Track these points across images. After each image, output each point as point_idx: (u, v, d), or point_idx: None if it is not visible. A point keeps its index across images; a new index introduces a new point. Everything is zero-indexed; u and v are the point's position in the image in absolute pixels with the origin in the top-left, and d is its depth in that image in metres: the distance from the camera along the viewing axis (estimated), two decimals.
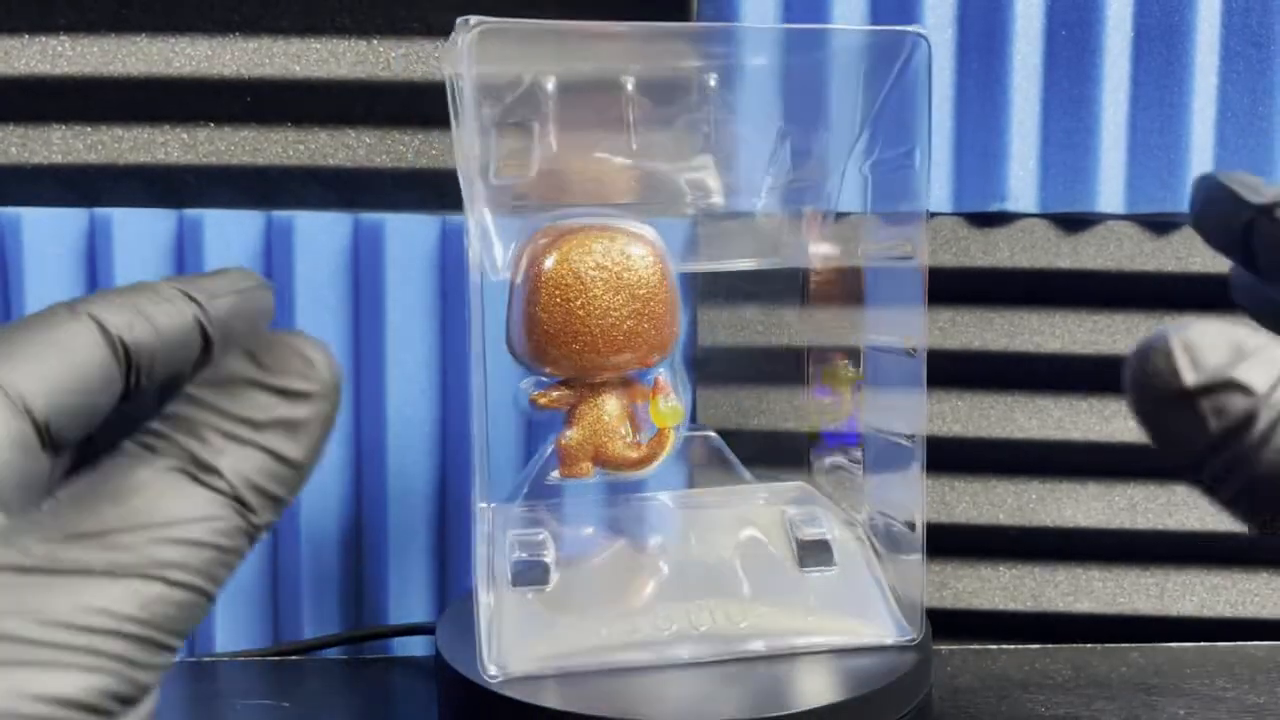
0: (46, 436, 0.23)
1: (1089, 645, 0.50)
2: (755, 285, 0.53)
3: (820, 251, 0.46)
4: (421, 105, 0.52)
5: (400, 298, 0.52)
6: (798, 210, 0.46)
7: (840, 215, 0.46)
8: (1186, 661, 0.48)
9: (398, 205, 0.53)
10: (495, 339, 0.46)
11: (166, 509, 0.19)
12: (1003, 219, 0.52)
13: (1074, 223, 0.52)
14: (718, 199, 0.46)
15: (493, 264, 0.42)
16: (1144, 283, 0.52)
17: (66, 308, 0.24)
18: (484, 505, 0.45)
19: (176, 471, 0.20)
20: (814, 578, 0.41)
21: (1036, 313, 0.53)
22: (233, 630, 0.53)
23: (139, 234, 0.52)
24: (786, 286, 0.51)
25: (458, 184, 0.38)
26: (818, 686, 0.37)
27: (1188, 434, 0.19)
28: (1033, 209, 0.52)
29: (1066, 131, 0.51)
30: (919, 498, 0.40)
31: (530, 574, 0.40)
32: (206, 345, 0.26)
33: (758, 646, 0.39)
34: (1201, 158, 0.51)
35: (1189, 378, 0.19)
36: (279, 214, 0.52)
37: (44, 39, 0.52)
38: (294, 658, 0.50)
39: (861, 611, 0.40)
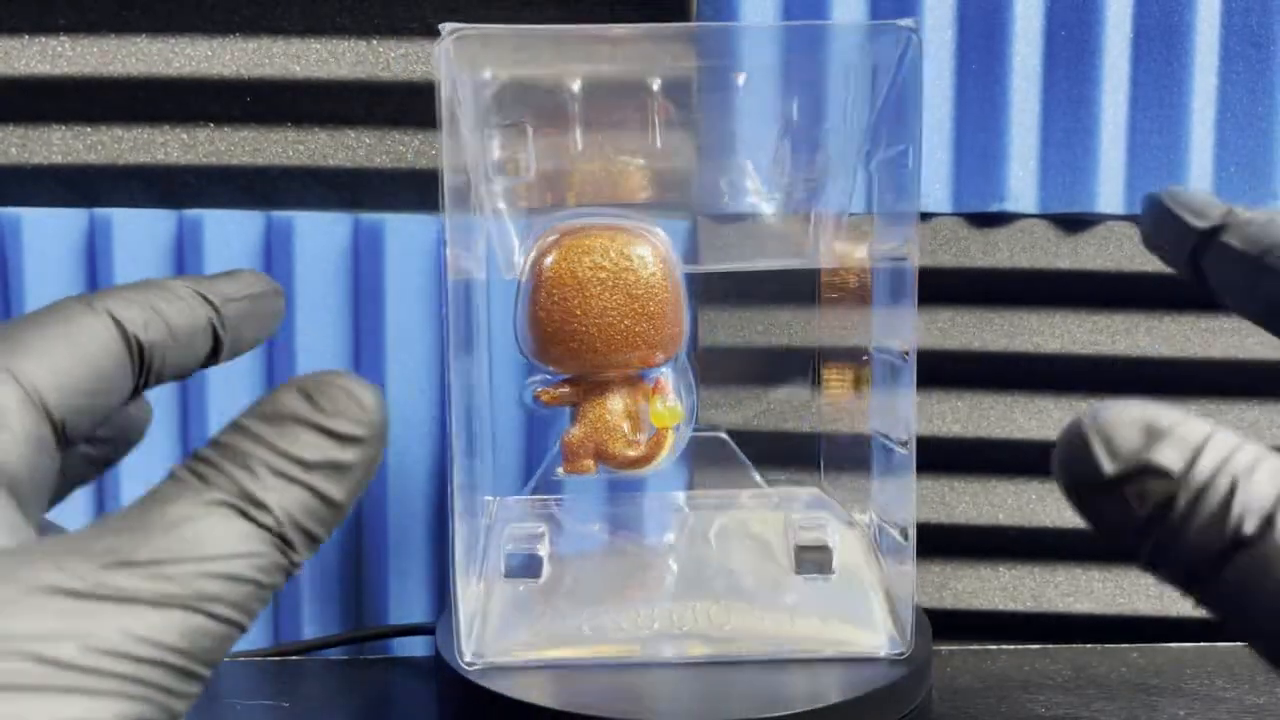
0: (61, 434, 0.23)
1: (1089, 645, 0.50)
2: (761, 286, 0.53)
3: (833, 252, 0.46)
4: (421, 105, 0.52)
5: (400, 298, 0.52)
6: (810, 211, 0.46)
7: (853, 216, 0.46)
8: (1186, 662, 0.48)
9: (398, 205, 0.53)
10: (495, 338, 0.46)
11: (215, 543, 0.19)
12: (1002, 219, 0.52)
13: (1074, 223, 0.52)
14: (727, 199, 0.46)
15: (508, 263, 0.43)
16: (1144, 283, 0.52)
17: (83, 302, 0.24)
18: (490, 498, 0.45)
19: (226, 506, 0.20)
20: (809, 585, 0.41)
21: (1036, 313, 0.53)
22: None
23: (139, 234, 0.52)
24: (790, 287, 0.51)
25: (464, 184, 0.38)
26: (797, 692, 0.36)
27: (1118, 520, 0.19)
28: (1032, 209, 0.52)
29: (1066, 131, 0.51)
30: (910, 505, 0.39)
31: (523, 566, 0.40)
32: (215, 348, 0.26)
33: (738, 650, 0.39)
34: (1201, 158, 0.51)
35: (1107, 468, 0.19)
36: (279, 214, 0.52)
37: (44, 39, 0.52)
38: (294, 658, 0.50)
39: (853, 621, 0.40)
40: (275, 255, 0.52)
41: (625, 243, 0.40)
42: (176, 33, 0.52)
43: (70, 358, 0.23)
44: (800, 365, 0.51)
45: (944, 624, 0.50)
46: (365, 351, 0.53)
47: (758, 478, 0.45)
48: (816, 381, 0.50)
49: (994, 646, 0.50)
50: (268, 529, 0.20)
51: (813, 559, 0.41)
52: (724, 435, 0.46)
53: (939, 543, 0.52)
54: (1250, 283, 0.27)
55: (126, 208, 0.52)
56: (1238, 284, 0.27)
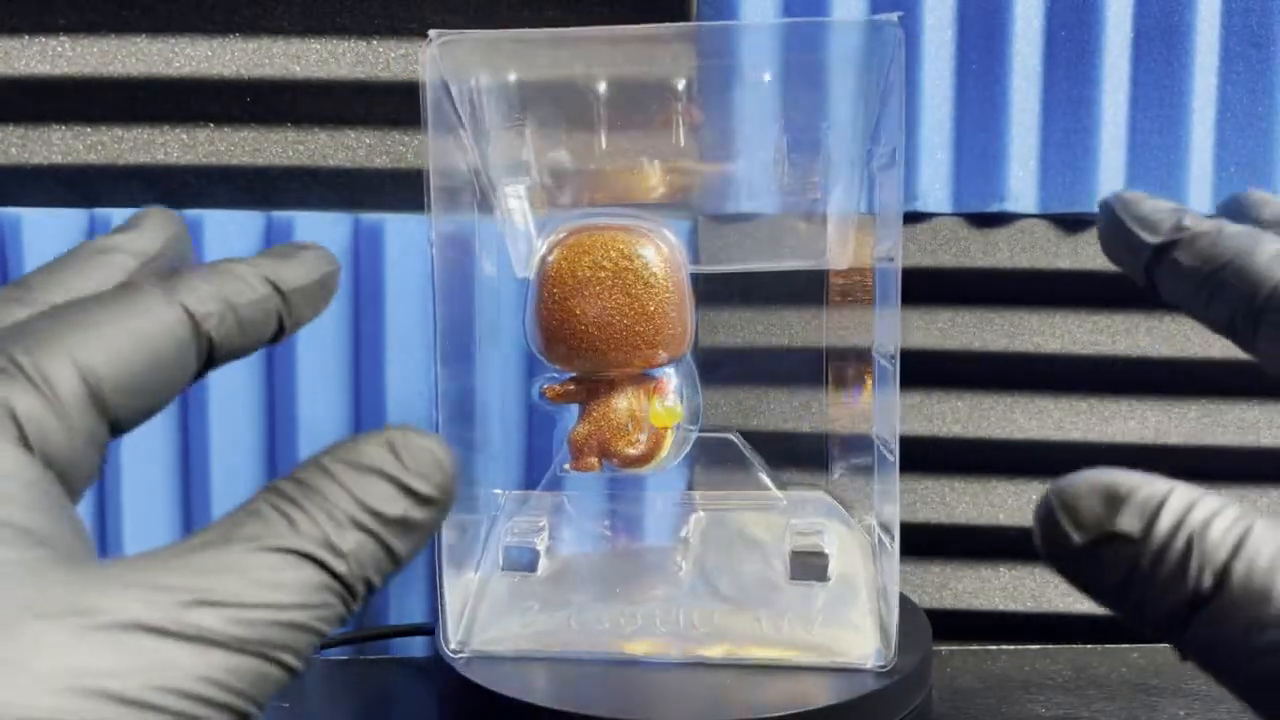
0: (113, 429, 0.22)
1: (1089, 645, 0.50)
2: (766, 286, 0.53)
3: (840, 252, 0.46)
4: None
5: (400, 298, 0.52)
6: (816, 211, 0.46)
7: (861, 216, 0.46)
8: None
9: (397, 205, 0.53)
10: (493, 337, 0.46)
11: (292, 591, 0.19)
12: (1002, 219, 0.52)
13: (1074, 223, 0.52)
14: (731, 200, 0.46)
15: (520, 262, 0.43)
16: None
17: (162, 291, 0.23)
18: (499, 491, 0.46)
19: (306, 556, 0.20)
20: (801, 591, 0.40)
21: (1036, 313, 0.53)
22: None
23: None
24: (793, 288, 0.51)
25: (458, 185, 0.38)
26: (777, 698, 0.36)
27: (1097, 585, 0.20)
28: (1032, 209, 0.52)
29: (1066, 131, 0.51)
30: (894, 508, 0.39)
31: (520, 559, 0.41)
32: (278, 333, 0.26)
33: (715, 653, 0.38)
34: (1201, 158, 0.51)
35: (1076, 539, 0.20)
36: (279, 214, 0.52)
37: (44, 39, 0.52)
38: None
39: (841, 630, 0.39)
40: None
41: (626, 243, 0.40)
42: (176, 33, 0.52)
43: (138, 351, 0.22)
44: (809, 366, 0.51)
45: (944, 624, 0.50)
46: (365, 351, 0.53)
47: (766, 480, 0.45)
48: (826, 383, 0.50)
49: (994, 647, 0.50)
50: (340, 579, 0.20)
51: (807, 564, 0.40)
52: (732, 437, 0.46)
53: (939, 543, 0.52)
54: (1204, 299, 0.27)
55: (126, 208, 0.52)
56: (1192, 299, 0.27)
